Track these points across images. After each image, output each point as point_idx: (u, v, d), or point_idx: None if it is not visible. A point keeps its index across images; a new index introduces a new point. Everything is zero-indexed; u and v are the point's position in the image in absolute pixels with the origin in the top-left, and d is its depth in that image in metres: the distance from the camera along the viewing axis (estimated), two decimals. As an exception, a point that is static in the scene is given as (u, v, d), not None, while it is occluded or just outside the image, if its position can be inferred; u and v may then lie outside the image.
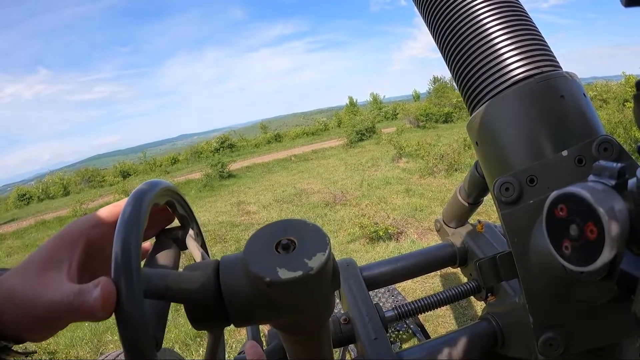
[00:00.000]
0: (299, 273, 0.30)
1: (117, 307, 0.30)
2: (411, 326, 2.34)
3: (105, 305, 0.31)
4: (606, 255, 0.29)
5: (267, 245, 0.33)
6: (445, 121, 17.87)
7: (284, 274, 0.30)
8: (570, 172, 0.51)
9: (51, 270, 0.34)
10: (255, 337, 0.73)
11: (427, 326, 2.69)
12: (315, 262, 0.31)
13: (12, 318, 0.32)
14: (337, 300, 0.93)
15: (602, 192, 0.30)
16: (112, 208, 0.40)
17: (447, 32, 0.63)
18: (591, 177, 0.32)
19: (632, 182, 0.31)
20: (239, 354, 0.69)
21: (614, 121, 7.70)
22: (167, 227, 0.47)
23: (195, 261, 0.43)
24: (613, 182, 0.30)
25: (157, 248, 0.44)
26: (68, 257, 0.36)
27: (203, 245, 0.50)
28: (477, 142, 0.61)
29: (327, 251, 0.32)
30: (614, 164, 0.31)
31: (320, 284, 0.33)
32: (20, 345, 0.35)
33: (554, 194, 0.34)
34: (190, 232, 0.47)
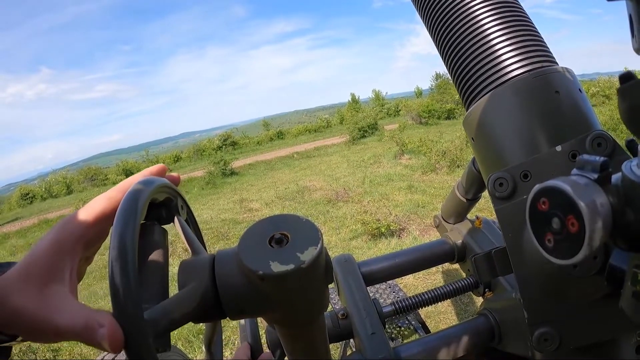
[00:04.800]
0: (291, 266, 0.31)
1: None
2: (412, 322, 2.35)
3: (113, 347, 0.30)
4: (587, 248, 0.30)
5: (261, 239, 0.33)
6: (448, 118, 17.85)
7: (277, 267, 0.31)
8: (564, 167, 0.51)
9: (54, 284, 0.33)
10: (254, 332, 0.73)
11: (428, 322, 2.69)
12: (307, 255, 0.31)
13: (19, 333, 0.32)
14: (337, 299, 0.93)
15: (584, 185, 0.30)
16: (106, 200, 0.38)
17: (443, 27, 0.63)
18: (574, 171, 0.32)
19: (616, 176, 0.31)
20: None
21: (617, 117, 7.66)
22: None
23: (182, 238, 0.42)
24: (595, 176, 0.30)
25: (142, 236, 0.41)
26: (69, 267, 0.34)
27: (189, 214, 0.49)
28: (473, 138, 0.61)
29: (319, 245, 0.32)
30: (597, 158, 0.31)
31: (312, 278, 0.33)
32: None
33: (536, 187, 0.35)
34: (174, 207, 0.45)
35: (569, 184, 0.30)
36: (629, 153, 0.39)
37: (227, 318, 0.37)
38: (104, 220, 0.37)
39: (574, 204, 0.30)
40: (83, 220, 0.36)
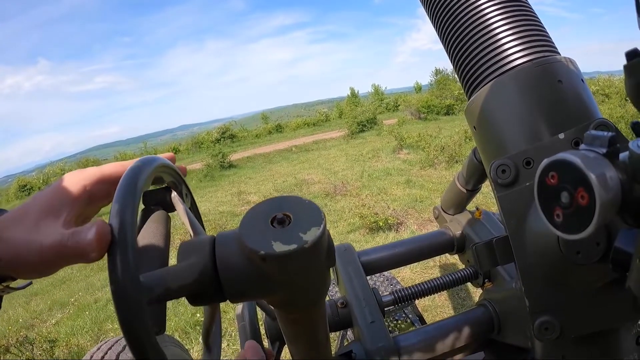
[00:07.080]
0: (294, 246, 0.30)
1: (129, 342, 0.30)
2: (410, 315, 2.35)
3: (99, 245, 0.31)
4: (597, 221, 0.29)
5: (263, 220, 0.33)
6: (447, 113, 17.80)
7: (279, 247, 0.30)
8: None
9: (48, 218, 0.34)
10: (253, 319, 0.73)
11: (425, 316, 2.70)
12: (310, 236, 0.31)
13: (5, 264, 0.32)
14: (335, 290, 0.93)
15: (593, 159, 0.30)
16: (120, 167, 0.39)
17: (446, 16, 0.63)
18: (582, 146, 0.32)
19: (624, 154, 0.31)
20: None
21: (616, 116, 7.67)
22: (151, 190, 0.46)
23: (185, 224, 0.43)
24: (604, 150, 0.30)
25: (145, 217, 0.43)
26: (68, 206, 0.35)
27: (193, 204, 0.50)
28: (474, 127, 0.61)
29: (322, 225, 0.32)
30: (605, 133, 0.30)
31: (314, 259, 0.33)
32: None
33: (544, 161, 0.34)
34: (178, 194, 0.46)
35: (578, 156, 0.30)
36: (634, 136, 0.39)
37: (227, 301, 0.37)
38: (111, 182, 0.38)
39: (584, 176, 0.29)
40: (93, 173, 0.38)
